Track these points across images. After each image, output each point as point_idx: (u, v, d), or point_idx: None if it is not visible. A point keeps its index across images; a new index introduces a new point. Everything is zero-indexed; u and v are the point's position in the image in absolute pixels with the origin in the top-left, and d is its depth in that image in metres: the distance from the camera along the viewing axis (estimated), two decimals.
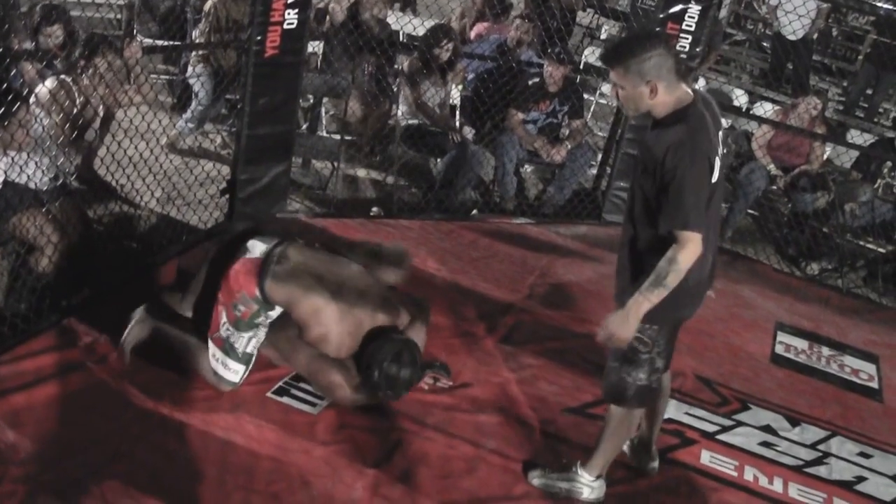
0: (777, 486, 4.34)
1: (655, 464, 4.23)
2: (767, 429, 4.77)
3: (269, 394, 4.23)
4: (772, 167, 7.49)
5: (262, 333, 4.13)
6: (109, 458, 3.64)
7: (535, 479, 4.02)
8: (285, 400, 4.21)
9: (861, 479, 4.53)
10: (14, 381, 3.95)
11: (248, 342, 4.06)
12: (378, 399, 4.18)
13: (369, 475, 3.85)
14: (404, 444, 4.10)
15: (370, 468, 3.90)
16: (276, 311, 4.11)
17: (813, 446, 4.70)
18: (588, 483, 3.92)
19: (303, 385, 4.31)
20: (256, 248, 4.14)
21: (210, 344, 4.07)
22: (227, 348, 4.04)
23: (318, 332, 4.11)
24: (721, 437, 4.62)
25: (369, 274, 4.35)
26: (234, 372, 4.07)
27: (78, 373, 4.08)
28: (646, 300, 3.33)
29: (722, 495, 4.19)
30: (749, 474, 4.37)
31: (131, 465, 3.63)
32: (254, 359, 4.15)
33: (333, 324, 4.08)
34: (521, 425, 4.39)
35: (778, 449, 4.62)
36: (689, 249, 3.28)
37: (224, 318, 4.04)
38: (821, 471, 4.53)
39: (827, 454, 4.66)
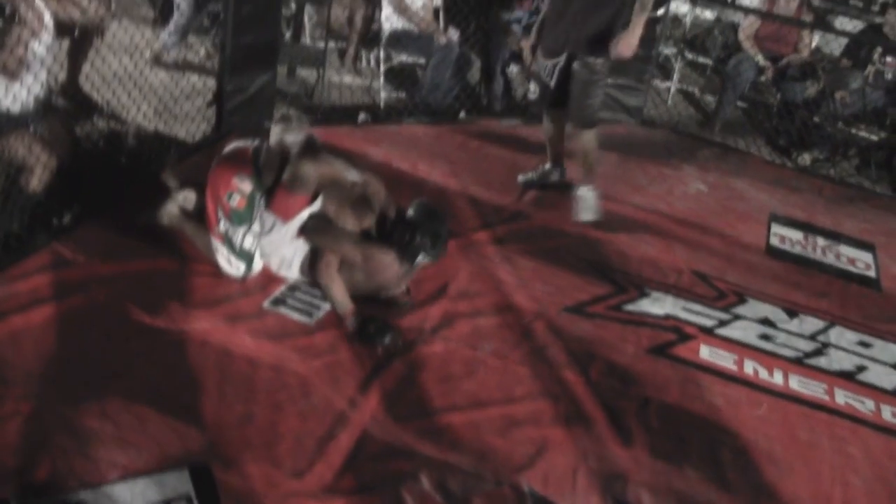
0: (777, 378, 4.35)
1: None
2: (766, 321, 4.78)
3: (265, 304, 4.20)
4: (760, 58, 7.39)
5: (255, 228, 4.21)
6: (109, 375, 3.60)
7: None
8: (282, 310, 4.19)
9: (861, 368, 4.55)
10: (10, 302, 3.89)
11: (244, 238, 4.16)
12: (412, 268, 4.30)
13: (369, 382, 3.84)
14: (403, 349, 4.09)
15: (370, 375, 3.88)
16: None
17: (812, 337, 4.72)
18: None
19: (299, 295, 4.29)
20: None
21: (213, 241, 4.21)
22: (228, 244, 4.17)
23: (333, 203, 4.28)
24: (719, 331, 4.63)
25: None
26: (236, 268, 4.21)
27: (73, 292, 4.02)
28: (638, 24, 4.94)
29: (723, 389, 4.20)
30: (749, 368, 4.38)
31: (131, 380, 3.59)
32: (255, 259, 4.26)
33: (328, 178, 4.22)
34: (519, 327, 4.39)
35: (777, 341, 4.63)
36: None
37: (220, 214, 4.15)
38: (821, 361, 4.54)
39: (826, 345, 4.68)
